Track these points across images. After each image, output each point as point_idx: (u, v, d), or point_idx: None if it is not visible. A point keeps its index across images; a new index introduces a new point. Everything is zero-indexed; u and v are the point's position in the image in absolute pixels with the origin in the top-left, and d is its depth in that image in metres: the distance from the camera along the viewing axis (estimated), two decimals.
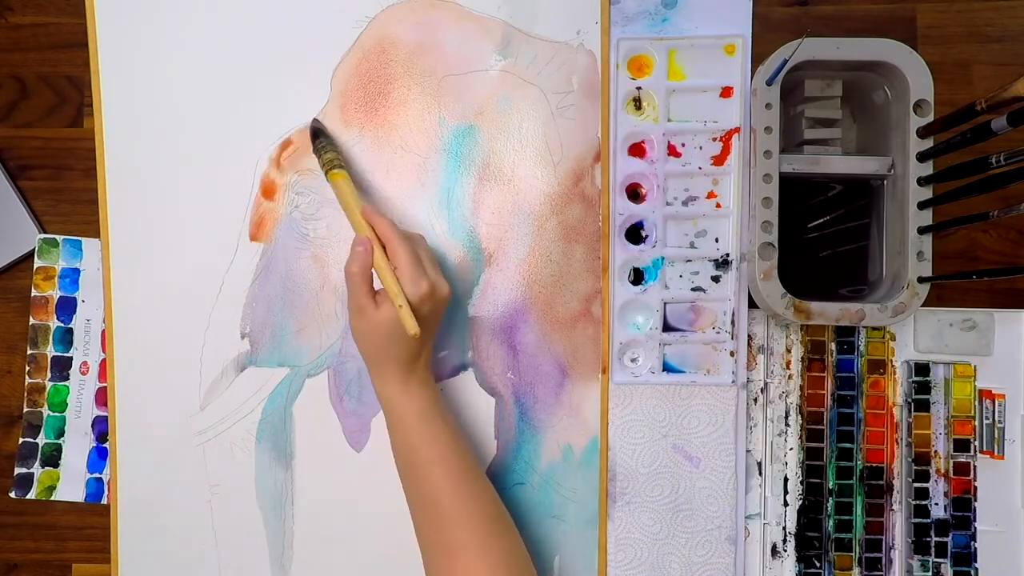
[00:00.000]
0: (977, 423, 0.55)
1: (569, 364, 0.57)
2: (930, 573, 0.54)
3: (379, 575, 0.57)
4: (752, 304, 0.55)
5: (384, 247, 0.49)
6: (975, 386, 0.55)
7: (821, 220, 0.58)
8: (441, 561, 0.48)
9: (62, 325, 0.59)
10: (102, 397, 0.59)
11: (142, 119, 0.58)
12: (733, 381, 0.56)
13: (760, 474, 0.56)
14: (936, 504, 0.55)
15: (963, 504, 0.54)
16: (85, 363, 0.59)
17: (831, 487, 0.56)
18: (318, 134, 0.55)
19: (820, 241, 0.58)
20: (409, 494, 0.50)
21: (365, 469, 0.57)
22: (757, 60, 0.55)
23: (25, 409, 0.59)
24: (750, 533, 0.56)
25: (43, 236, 0.60)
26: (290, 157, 0.57)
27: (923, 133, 0.51)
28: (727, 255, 0.56)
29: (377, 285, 0.49)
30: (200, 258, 0.58)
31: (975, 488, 0.55)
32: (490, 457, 0.57)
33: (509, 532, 0.49)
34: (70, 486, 0.59)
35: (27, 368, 0.60)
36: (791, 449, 0.56)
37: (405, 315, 0.47)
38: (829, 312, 0.51)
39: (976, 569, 0.54)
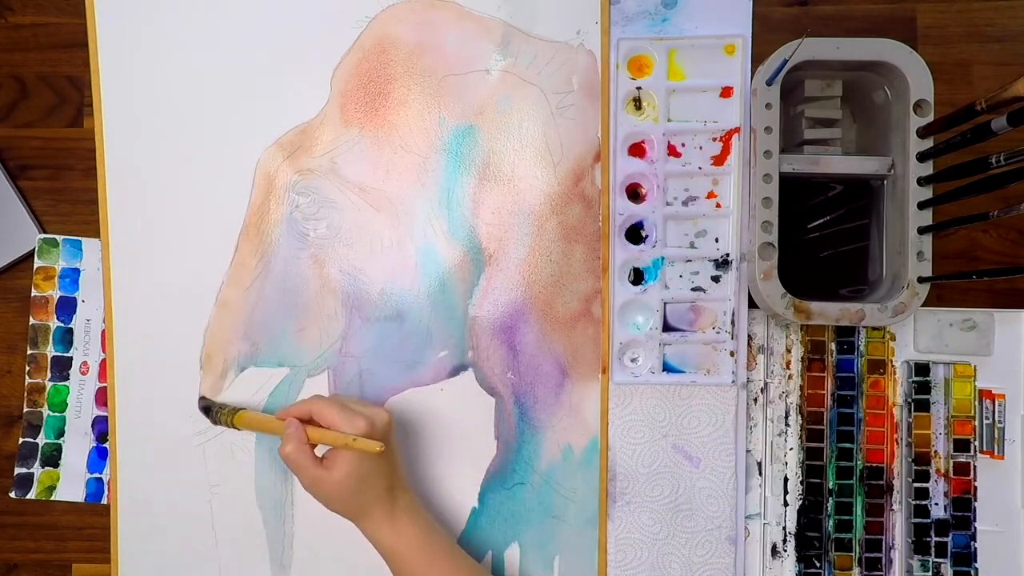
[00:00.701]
0: (977, 423, 0.55)
1: (569, 364, 0.57)
2: (930, 573, 0.54)
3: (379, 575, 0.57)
4: (752, 304, 0.55)
5: (307, 421, 0.50)
6: (975, 386, 0.55)
7: (821, 220, 0.58)
8: None
9: (62, 325, 0.59)
10: (102, 397, 0.59)
11: (142, 119, 0.58)
12: (733, 381, 0.56)
13: (760, 474, 0.56)
14: (936, 504, 0.55)
15: (963, 504, 0.54)
16: (85, 363, 0.59)
17: (831, 487, 0.56)
18: (208, 409, 0.56)
19: (820, 241, 0.58)
20: None
21: None
22: (757, 60, 0.55)
23: (25, 409, 0.59)
24: (750, 533, 0.56)
25: (43, 236, 0.60)
26: (291, 156, 0.57)
27: (923, 133, 0.51)
28: (727, 255, 0.56)
29: (319, 452, 0.50)
30: (200, 258, 0.58)
31: (975, 488, 0.55)
32: (490, 457, 0.57)
33: None
34: (70, 486, 0.59)
35: (27, 368, 0.60)
36: (791, 449, 0.56)
37: (362, 444, 0.47)
38: (829, 312, 0.51)
39: (976, 569, 0.54)
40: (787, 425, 0.56)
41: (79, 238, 0.60)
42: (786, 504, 0.56)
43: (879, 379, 0.56)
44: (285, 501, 0.57)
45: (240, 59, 0.57)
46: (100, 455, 0.59)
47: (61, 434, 0.59)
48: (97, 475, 0.59)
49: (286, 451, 0.49)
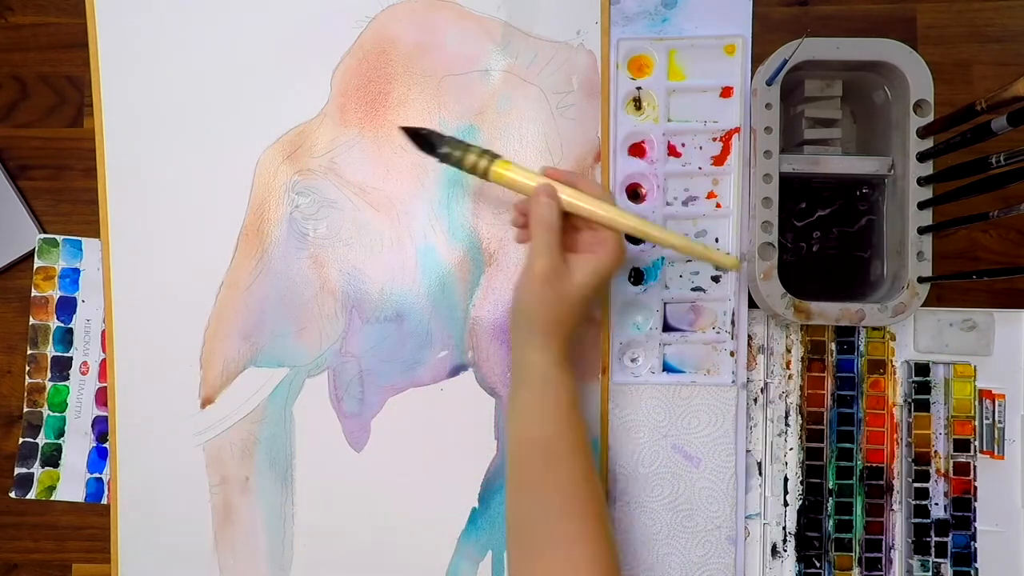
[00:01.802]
0: (977, 423, 0.55)
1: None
2: (930, 573, 0.54)
3: (379, 575, 0.57)
4: (752, 304, 0.55)
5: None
6: (975, 386, 0.55)
7: (821, 220, 0.58)
8: (561, 552, 0.44)
9: (62, 325, 0.59)
10: (102, 397, 0.59)
11: (142, 119, 0.58)
12: (733, 381, 0.56)
13: (760, 474, 0.56)
14: (936, 504, 0.55)
15: (963, 504, 0.54)
16: (85, 363, 0.59)
17: (831, 487, 0.56)
18: (433, 142, 0.49)
19: (820, 241, 0.58)
20: (532, 482, 0.47)
21: (365, 470, 0.57)
22: (757, 60, 0.55)
23: (25, 409, 0.59)
24: (750, 533, 0.56)
25: (43, 236, 0.60)
26: (291, 156, 0.57)
27: (923, 133, 0.51)
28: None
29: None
30: (200, 258, 0.58)
31: (975, 488, 0.55)
32: (490, 457, 0.57)
33: (610, 534, 0.47)
34: (70, 486, 0.59)
35: (27, 368, 0.60)
36: (791, 449, 0.56)
37: (719, 256, 0.46)
38: (829, 312, 0.51)
39: (976, 569, 0.54)
40: (787, 425, 0.56)
41: (79, 238, 0.60)
42: (786, 504, 0.56)
43: (879, 379, 0.56)
44: (285, 501, 0.57)
45: (240, 59, 0.57)
46: (100, 455, 0.59)
47: (61, 434, 0.59)
48: (97, 475, 0.59)
49: (537, 221, 0.46)
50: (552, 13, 0.56)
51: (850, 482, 0.55)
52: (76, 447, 0.59)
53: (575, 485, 0.45)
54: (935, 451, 0.55)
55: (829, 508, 0.55)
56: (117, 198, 0.58)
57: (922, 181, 0.51)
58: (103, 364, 0.59)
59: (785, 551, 0.56)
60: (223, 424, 0.58)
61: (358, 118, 0.57)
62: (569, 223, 0.48)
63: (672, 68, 0.56)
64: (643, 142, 0.56)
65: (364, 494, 0.57)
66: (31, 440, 0.59)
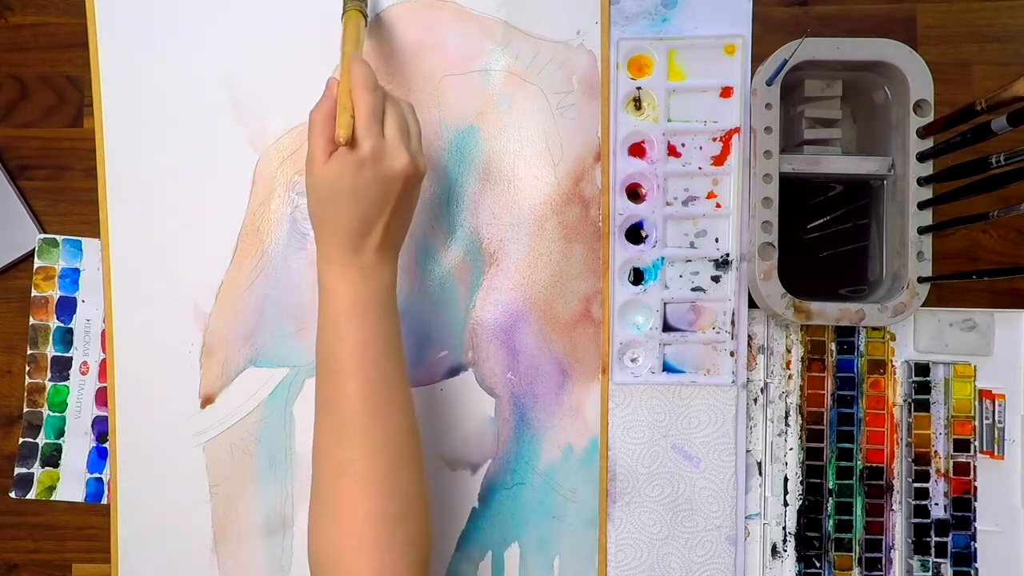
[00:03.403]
0: (977, 423, 0.55)
1: (569, 364, 0.57)
2: (930, 573, 0.54)
3: None
4: (752, 304, 0.55)
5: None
6: (975, 386, 0.55)
7: (821, 220, 0.58)
8: (329, 478, 0.43)
9: (62, 325, 0.59)
10: (102, 397, 0.59)
11: (142, 119, 0.58)
12: (733, 381, 0.56)
13: (760, 474, 0.56)
14: (936, 504, 0.55)
15: (963, 504, 0.54)
16: (85, 363, 0.59)
17: (831, 487, 0.56)
18: None
19: (820, 241, 0.58)
20: (318, 397, 0.45)
21: None
22: (757, 60, 0.55)
23: (25, 409, 0.59)
24: (750, 533, 0.56)
25: (43, 236, 0.60)
26: (290, 156, 0.57)
27: (923, 133, 0.51)
28: (727, 255, 0.56)
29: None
30: (200, 258, 0.58)
31: (975, 488, 0.55)
32: (490, 457, 0.57)
33: (408, 465, 0.44)
34: (70, 486, 0.59)
35: (27, 368, 0.60)
36: (791, 449, 0.56)
37: (342, 118, 0.41)
38: (829, 312, 0.51)
39: (976, 569, 0.54)
40: (787, 425, 0.56)
41: (79, 238, 0.60)
42: (786, 504, 0.56)
43: (879, 379, 0.56)
44: (285, 501, 0.57)
45: (240, 59, 0.57)
46: (100, 455, 0.59)
47: (61, 434, 0.59)
48: (97, 475, 0.59)
49: (314, 115, 0.43)
50: (552, 13, 0.56)
51: (850, 482, 0.55)
52: (76, 447, 0.59)
53: (349, 407, 0.43)
54: (935, 451, 0.55)
55: (829, 508, 0.55)
56: (117, 198, 0.58)
57: (922, 181, 0.51)
58: (103, 364, 0.59)
59: (785, 551, 0.56)
60: (223, 424, 0.58)
61: None
62: None
63: (672, 68, 0.56)
64: (643, 142, 0.56)
65: None
66: (31, 440, 0.59)
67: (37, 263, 0.59)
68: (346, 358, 0.44)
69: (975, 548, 0.54)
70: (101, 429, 0.59)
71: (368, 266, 0.44)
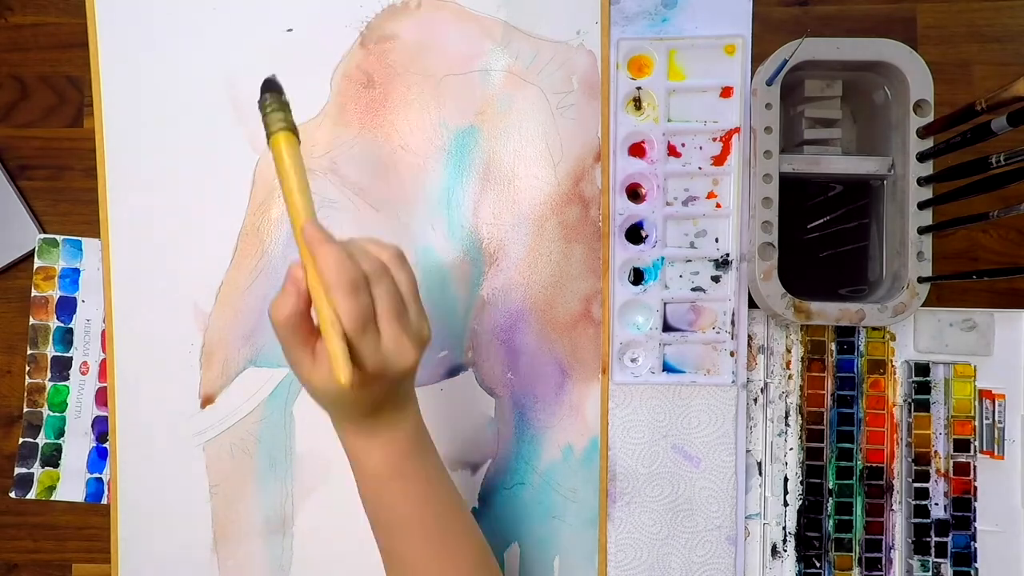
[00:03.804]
0: (977, 423, 0.55)
1: (569, 364, 0.57)
2: (930, 573, 0.54)
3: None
4: (752, 304, 0.55)
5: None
6: (975, 386, 0.55)
7: (821, 220, 0.58)
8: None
9: (62, 325, 0.59)
10: (102, 397, 0.59)
11: (142, 119, 0.58)
12: (733, 381, 0.56)
13: (760, 474, 0.56)
14: (936, 504, 0.55)
15: (963, 504, 0.54)
16: (85, 363, 0.59)
17: (831, 487, 0.56)
18: (269, 87, 0.42)
19: (820, 241, 0.58)
20: (383, 549, 0.43)
21: None
22: (757, 60, 0.55)
23: (25, 409, 0.59)
24: (750, 533, 0.56)
25: (43, 236, 0.60)
26: None
27: (923, 133, 0.51)
28: (727, 255, 0.56)
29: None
30: (200, 258, 0.58)
31: (975, 488, 0.55)
32: (490, 457, 0.57)
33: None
34: (70, 486, 0.59)
35: (27, 368, 0.60)
36: (791, 449, 0.56)
37: (337, 362, 0.35)
38: (829, 312, 0.51)
39: (976, 569, 0.54)
40: (787, 425, 0.56)
41: (79, 238, 0.60)
42: (786, 504, 0.56)
43: (879, 379, 0.56)
44: (285, 501, 0.57)
45: (240, 59, 0.57)
46: (100, 455, 0.59)
47: (61, 434, 0.59)
48: (97, 475, 0.59)
49: (275, 316, 0.36)
50: (552, 13, 0.56)
51: (850, 482, 0.55)
52: (76, 447, 0.59)
53: (419, 556, 0.42)
54: (935, 451, 0.55)
55: (829, 508, 0.55)
56: (117, 198, 0.58)
57: (922, 181, 0.51)
58: (103, 364, 0.59)
59: (785, 551, 0.56)
60: (223, 424, 0.58)
61: (358, 118, 0.57)
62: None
63: (672, 68, 0.56)
64: (643, 142, 0.56)
65: None
66: (31, 440, 0.59)
67: (37, 263, 0.59)
68: (400, 516, 0.42)
69: (975, 548, 0.54)
70: (101, 429, 0.59)
71: (391, 421, 0.41)
